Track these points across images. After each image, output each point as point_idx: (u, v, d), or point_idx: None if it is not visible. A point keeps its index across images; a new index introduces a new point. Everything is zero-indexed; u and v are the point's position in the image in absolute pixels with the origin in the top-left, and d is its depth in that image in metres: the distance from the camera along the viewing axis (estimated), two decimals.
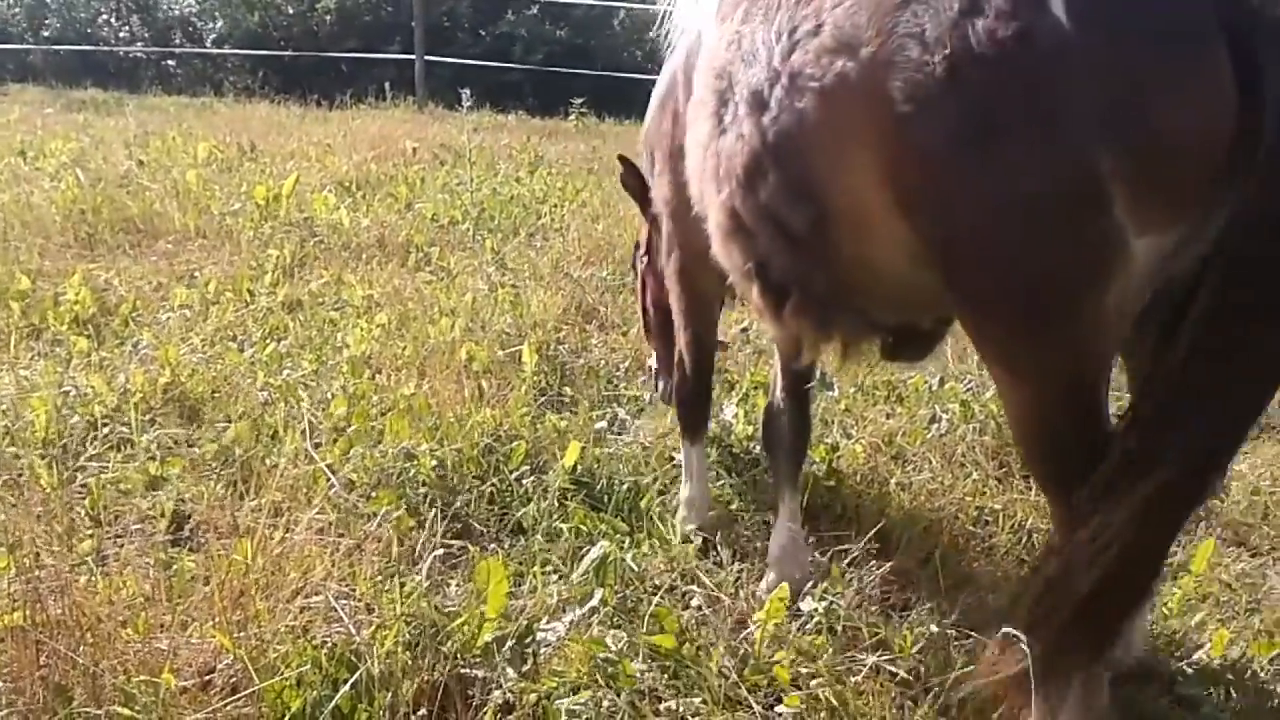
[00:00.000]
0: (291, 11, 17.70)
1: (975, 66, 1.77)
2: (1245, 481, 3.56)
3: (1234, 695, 2.54)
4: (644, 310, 3.98)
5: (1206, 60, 1.67)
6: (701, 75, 2.58)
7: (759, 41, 2.26)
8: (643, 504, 3.36)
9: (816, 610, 2.68)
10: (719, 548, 3.15)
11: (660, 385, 3.94)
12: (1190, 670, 2.61)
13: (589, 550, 2.96)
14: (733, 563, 3.06)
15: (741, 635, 2.73)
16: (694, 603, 2.86)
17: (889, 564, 2.93)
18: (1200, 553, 2.91)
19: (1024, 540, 3.25)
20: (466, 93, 8.50)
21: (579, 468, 3.46)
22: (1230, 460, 1.89)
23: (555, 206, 7.55)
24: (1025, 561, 3.11)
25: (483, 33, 16.97)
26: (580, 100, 13.54)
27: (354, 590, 2.78)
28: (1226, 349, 1.75)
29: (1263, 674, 2.60)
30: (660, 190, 3.14)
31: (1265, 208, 1.69)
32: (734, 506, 3.52)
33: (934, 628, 2.69)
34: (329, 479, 3.18)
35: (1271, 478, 3.63)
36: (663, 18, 3.33)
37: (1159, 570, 1.91)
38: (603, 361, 4.64)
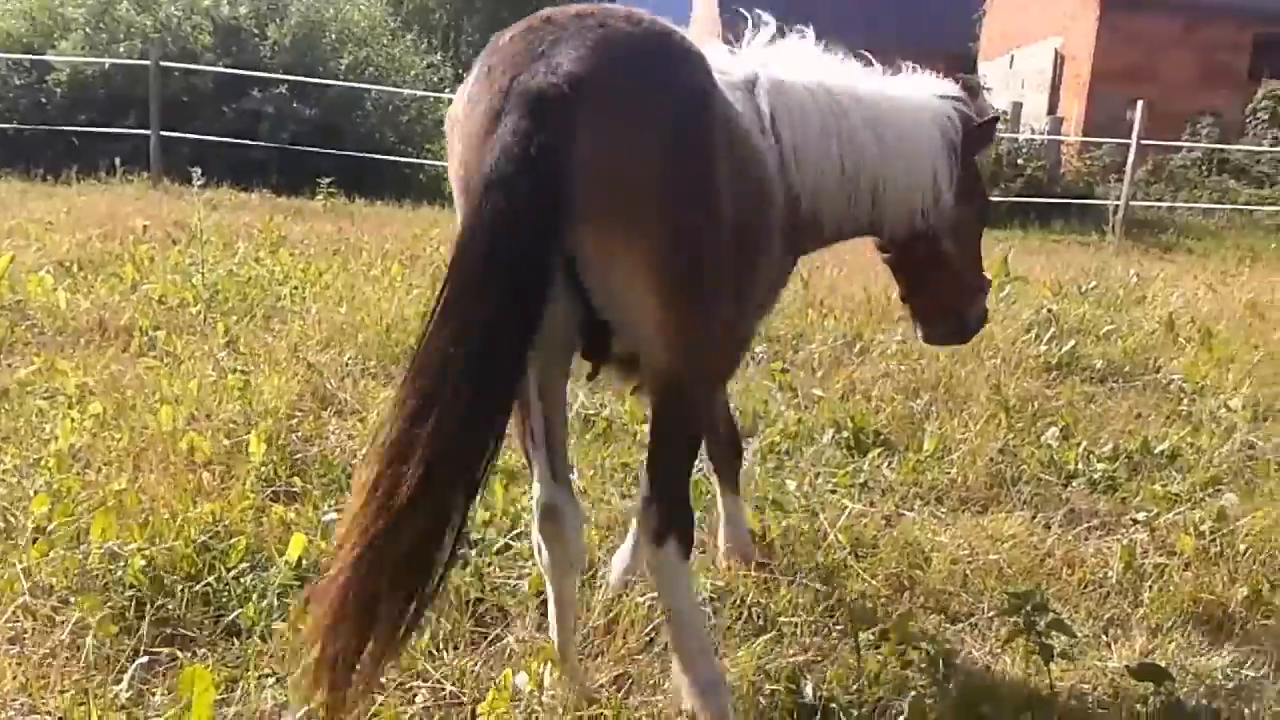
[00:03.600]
0: (19, 83, 16.66)
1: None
2: (945, 552, 3.82)
3: None
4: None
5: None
6: None
7: None
8: None
9: (533, 691, 2.70)
10: (449, 640, 3.10)
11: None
12: None
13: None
14: (462, 652, 3.02)
15: None
16: (419, 699, 2.80)
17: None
18: (899, 622, 3.09)
19: (751, 616, 3.35)
20: (197, 171, 8.20)
21: (304, 563, 3.34)
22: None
23: (296, 288, 7.36)
24: (749, 633, 3.21)
25: (227, 109, 16.46)
26: (329, 180, 13.33)
27: (45, 704, 2.59)
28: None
29: None
30: None
31: None
32: (473, 596, 3.47)
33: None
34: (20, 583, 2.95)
35: (970, 548, 3.90)
36: None
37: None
38: (338, 450, 4.51)
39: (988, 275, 3.98)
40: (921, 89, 3.56)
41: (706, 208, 2.43)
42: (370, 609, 2.01)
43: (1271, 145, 22.74)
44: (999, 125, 3.64)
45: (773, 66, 3.21)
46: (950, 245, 3.68)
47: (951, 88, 3.66)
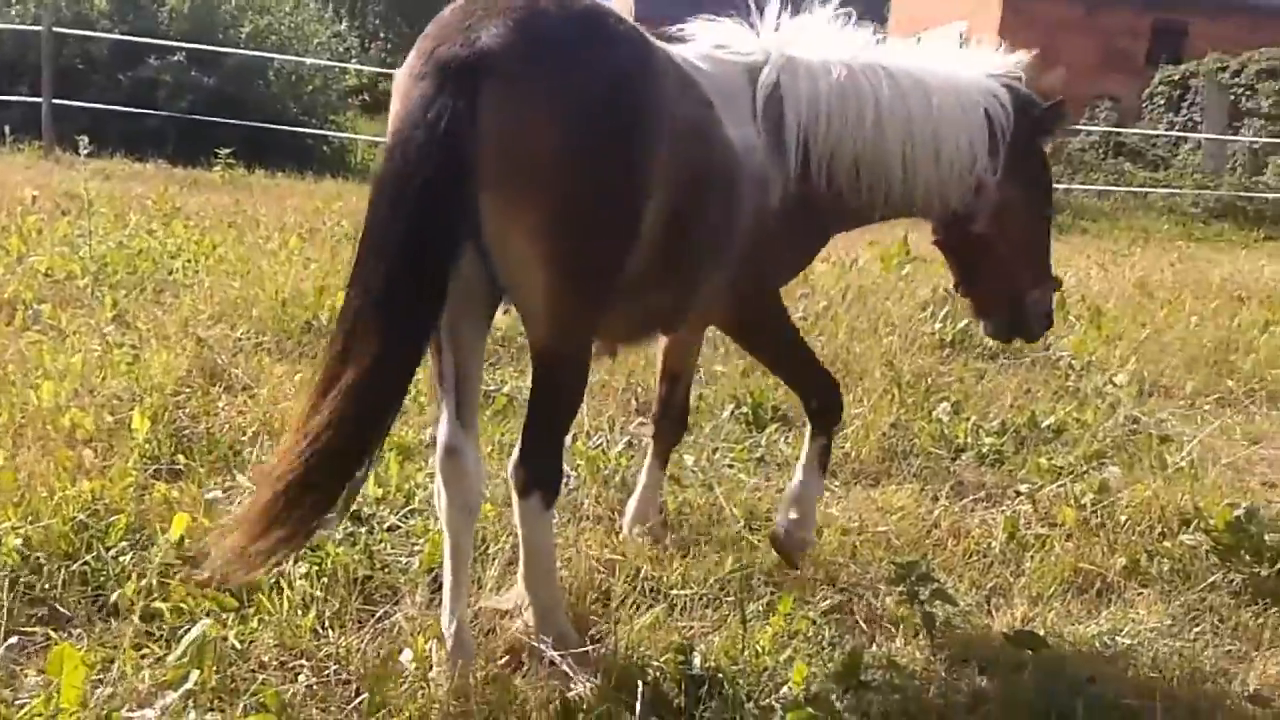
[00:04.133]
0: None
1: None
2: (836, 524, 3.88)
3: None
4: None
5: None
6: None
7: None
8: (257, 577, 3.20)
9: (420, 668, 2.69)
10: (336, 618, 3.06)
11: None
12: (777, 705, 2.79)
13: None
14: (349, 630, 2.99)
15: (351, 705, 2.68)
16: (301, 677, 2.76)
17: (517, 624, 2.97)
18: (786, 596, 3.14)
19: (644, 589, 3.36)
20: (84, 140, 7.94)
21: (186, 541, 3.25)
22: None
23: (189, 261, 7.17)
24: (642, 605, 3.22)
25: (122, 77, 15.93)
26: (227, 151, 13.00)
27: None
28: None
29: (838, 704, 2.81)
30: None
31: None
32: (362, 574, 3.42)
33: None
34: None
35: (860, 520, 3.97)
36: None
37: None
38: (226, 426, 4.41)
39: (1057, 275, 3.78)
40: (970, 66, 3.45)
41: (613, 192, 2.46)
42: (290, 503, 2.30)
43: (1167, 130, 23.46)
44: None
45: (792, 46, 3.17)
46: (995, 231, 3.51)
47: (1011, 65, 3.49)
